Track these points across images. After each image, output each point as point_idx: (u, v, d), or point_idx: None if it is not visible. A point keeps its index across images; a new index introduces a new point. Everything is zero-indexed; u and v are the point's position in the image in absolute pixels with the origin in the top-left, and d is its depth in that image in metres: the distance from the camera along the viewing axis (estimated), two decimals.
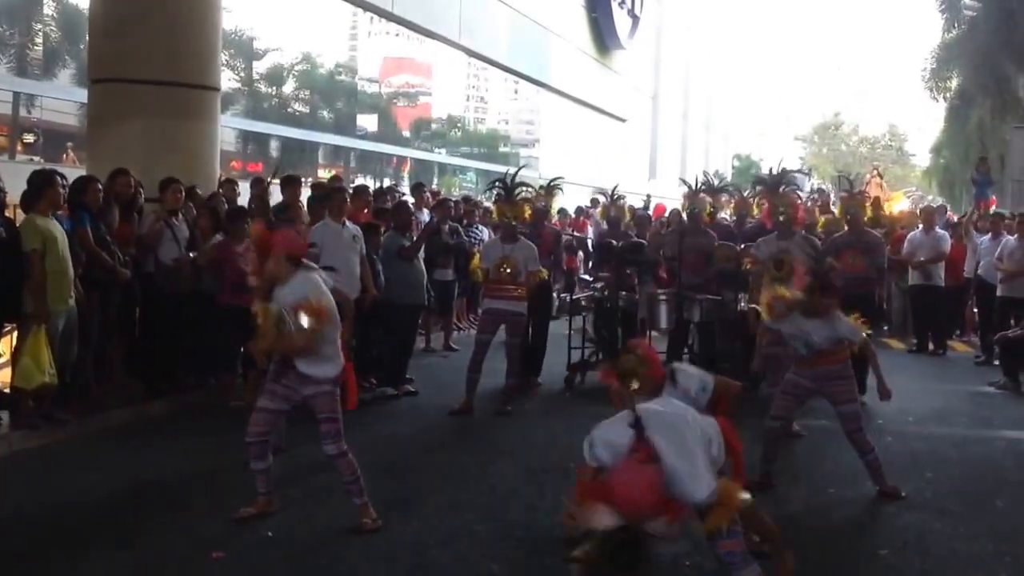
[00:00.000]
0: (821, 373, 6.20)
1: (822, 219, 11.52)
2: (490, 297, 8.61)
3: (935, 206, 17.83)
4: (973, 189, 15.68)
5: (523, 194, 8.88)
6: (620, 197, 12.81)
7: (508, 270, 8.38)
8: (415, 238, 9.44)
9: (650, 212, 15.36)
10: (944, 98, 31.80)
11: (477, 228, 12.95)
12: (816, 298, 6.00)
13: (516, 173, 8.97)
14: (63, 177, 7.34)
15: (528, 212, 8.93)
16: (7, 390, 7.25)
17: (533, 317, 9.36)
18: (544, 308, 9.90)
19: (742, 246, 9.44)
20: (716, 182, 12.69)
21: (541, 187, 9.90)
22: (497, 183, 8.98)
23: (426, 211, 12.56)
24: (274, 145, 42.36)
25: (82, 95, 13.13)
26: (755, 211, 11.25)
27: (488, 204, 11.27)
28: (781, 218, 8.41)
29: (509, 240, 8.53)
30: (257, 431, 5.42)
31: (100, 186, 7.75)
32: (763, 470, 6.33)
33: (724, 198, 13.30)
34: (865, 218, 9.94)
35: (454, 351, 11.45)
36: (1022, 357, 9.98)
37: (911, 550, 5.32)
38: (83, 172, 9.04)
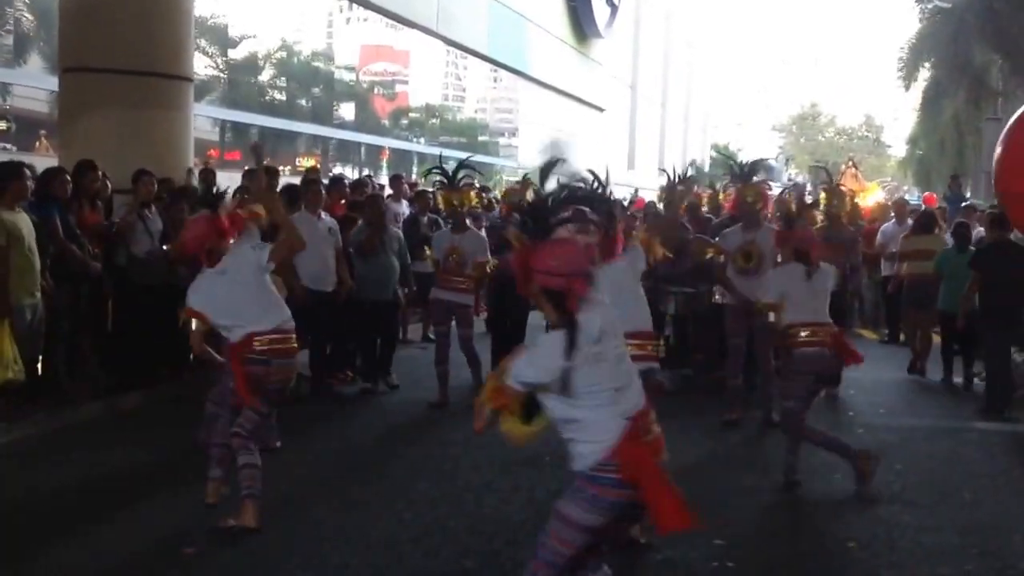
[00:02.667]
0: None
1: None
2: (439, 288, 8.49)
3: (906, 198, 17.95)
4: (947, 207, 15.96)
5: (466, 179, 8.71)
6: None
7: (456, 260, 8.30)
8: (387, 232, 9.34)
9: (632, 205, 15.33)
10: (915, 88, 31.93)
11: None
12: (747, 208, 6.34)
13: (462, 164, 8.87)
14: (30, 168, 7.27)
15: (474, 198, 8.80)
16: None
17: (515, 309, 9.36)
18: (523, 300, 9.85)
19: (714, 239, 9.46)
20: (691, 173, 12.68)
21: (518, 181, 9.86)
22: (435, 170, 8.88)
23: (405, 202, 12.52)
24: (252, 133, 42.11)
25: (54, 83, 13.02)
26: (722, 199, 11.28)
27: (431, 191, 11.11)
28: (749, 205, 8.07)
29: (459, 230, 8.43)
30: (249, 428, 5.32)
31: (68, 177, 7.68)
32: (787, 460, 6.31)
33: (699, 190, 13.29)
34: (843, 213, 9.99)
35: (432, 342, 11.42)
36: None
37: (879, 543, 5.37)
38: (56, 161, 8.97)
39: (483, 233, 8.85)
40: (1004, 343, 8.85)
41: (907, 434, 7.87)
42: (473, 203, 8.78)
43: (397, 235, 9.12)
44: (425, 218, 11.19)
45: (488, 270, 8.49)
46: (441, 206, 9.03)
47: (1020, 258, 8.75)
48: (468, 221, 8.60)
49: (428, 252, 8.69)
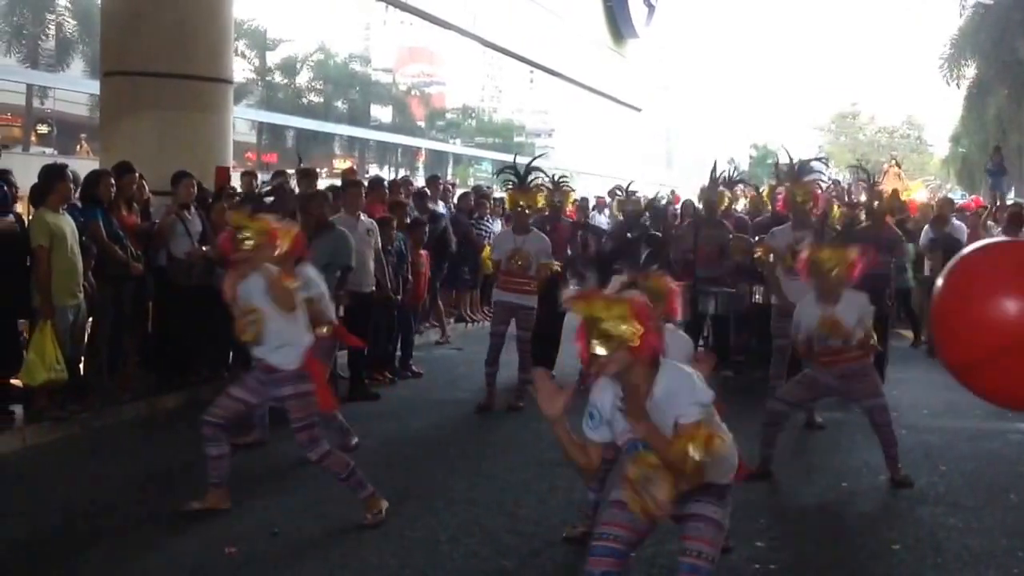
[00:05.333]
0: (844, 372, 6.19)
1: (838, 211, 11.42)
2: (501, 289, 8.43)
3: (949, 197, 17.73)
4: (988, 180, 15.66)
5: (537, 181, 8.63)
6: (635, 192, 12.75)
7: (520, 262, 8.19)
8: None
9: (674, 205, 15.21)
10: (959, 86, 31.56)
11: (488, 220, 12.92)
12: (827, 279, 6.00)
13: (531, 161, 8.78)
14: (72, 172, 7.36)
15: (542, 200, 8.69)
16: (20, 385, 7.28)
17: (545, 309, 9.31)
18: (558, 306, 9.81)
19: (755, 238, 9.38)
20: (733, 172, 12.59)
21: (551, 181, 9.78)
22: (508, 169, 8.76)
23: (441, 203, 12.57)
24: (289, 136, 42.35)
25: (95, 87, 13.18)
26: (768, 206, 11.15)
27: (501, 193, 11.13)
28: (799, 205, 7.91)
29: (521, 231, 8.33)
30: (216, 413, 5.41)
31: (112, 180, 7.77)
32: (762, 455, 6.35)
33: (740, 188, 13.20)
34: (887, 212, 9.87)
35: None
36: None
37: (924, 545, 5.29)
38: (97, 164, 9.06)
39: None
40: None
41: (951, 435, 7.76)
42: (540, 205, 8.63)
43: (370, 226, 8.70)
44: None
45: (551, 272, 8.22)
46: (507, 206, 8.96)
47: None
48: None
49: (487, 253, 8.66)
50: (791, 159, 8.41)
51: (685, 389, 3.34)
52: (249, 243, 5.08)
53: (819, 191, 7.90)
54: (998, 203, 14.95)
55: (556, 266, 8.33)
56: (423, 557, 4.95)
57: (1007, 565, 5.04)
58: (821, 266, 6.02)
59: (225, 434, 5.49)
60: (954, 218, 12.72)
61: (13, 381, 7.11)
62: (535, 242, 8.29)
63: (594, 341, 3.27)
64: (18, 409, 7.14)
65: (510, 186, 8.62)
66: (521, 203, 8.34)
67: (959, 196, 23.70)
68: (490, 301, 9.81)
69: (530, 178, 8.48)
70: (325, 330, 6.07)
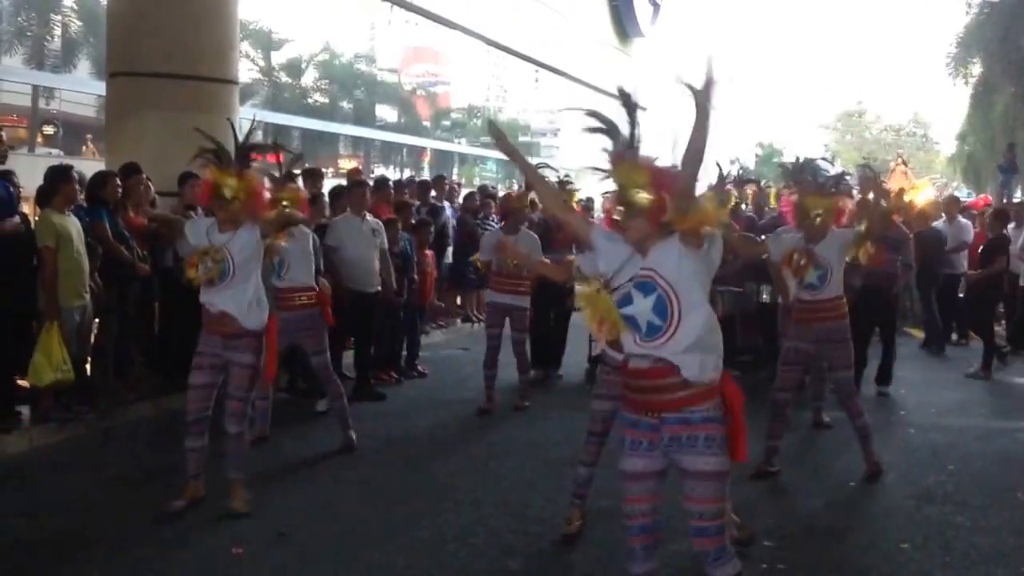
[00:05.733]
0: (822, 333, 6.24)
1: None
2: (494, 290, 8.34)
3: (957, 195, 17.68)
4: (1000, 177, 15.63)
5: (570, 186, 8.75)
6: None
7: (514, 262, 8.07)
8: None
9: None
10: (967, 83, 31.45)
11: (494, 220, 12.90)
12: (811, 225, 6.13)
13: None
14: (78, 173, 7.37)
15: (575, 201, 8.80)
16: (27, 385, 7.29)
17: (551, 307, 9.31)
18: (565, 299, 9.84)
19: (761, 238, 9.33)
20: (739, 172, 12.52)
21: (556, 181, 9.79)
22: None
23: (447, 203, 12.57)
24: (294, 136, 42.44)
25: (101, 88, 13.20)
26: (773, 201, 11.12)
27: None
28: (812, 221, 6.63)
29: (512, 231, 8.26)
30: (195, 408, 5.50)
31: (118, 181, 7.77)
32: (768, 447, 6.35)
33: (750, 188, 13.14)
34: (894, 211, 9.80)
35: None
36: None
37: (932, 543, 5.27)
38: (102, 165, 9.06)
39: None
40: None
41: (958, 434, 7.73)
42: (575, 206, 8.81)
43: (376, 226, 8.66)
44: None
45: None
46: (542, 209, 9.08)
47: None
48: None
49: (475, 255, 8.63)
50: (796, 158, 8.35)
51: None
52: (236, 201, 5.31)
53: (846, 207, 6.77)
54: (1004, 201, 14.89)
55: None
56: (429, 557, 4.94)
57: (1015, 564, 5.02)
58: (806, 211, 6.19)
59: (205, 425, 5.58)
60: (961, 217, 12.67)
61: (20, 382, 7.12)
62: (527, 242, 8.26)
63: (619, 208, 3.43)
64: (25, 410, 7.15)
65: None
66: (517, 204, 8.36)
67: (965, 194, 23.63)
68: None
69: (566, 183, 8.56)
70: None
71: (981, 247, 11.25)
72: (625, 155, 3.42)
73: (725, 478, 3.47)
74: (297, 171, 9.47)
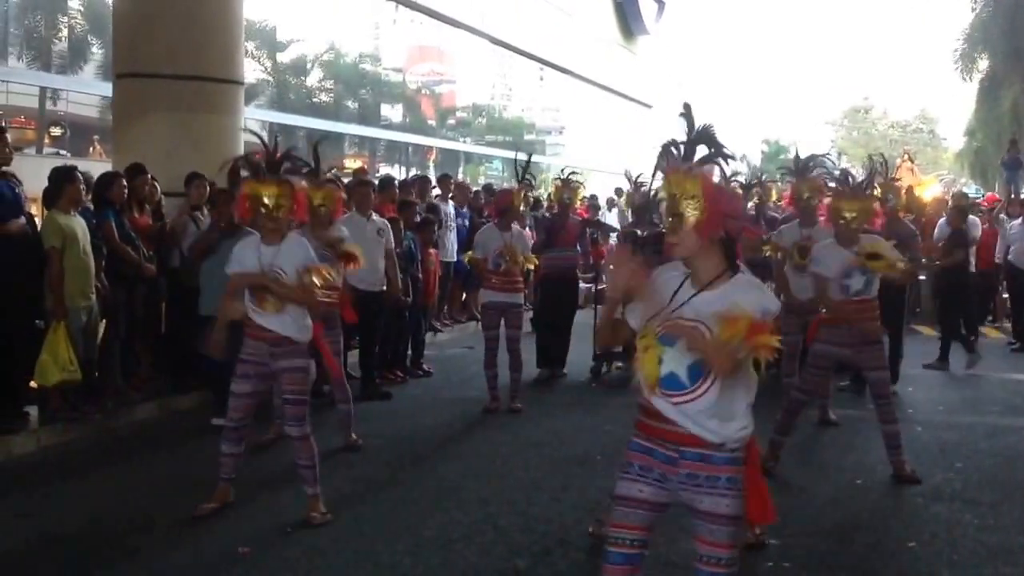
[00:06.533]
0: (856, 336, 6.20)
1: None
2: (491, 290, 8.27)
3: (963, 191, 17.64)
4: (1004, 173, 15.58)
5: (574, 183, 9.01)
6: (643, 184, 12.67)
7: (510, 259, 8.14)
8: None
9: None
10: (972, 79, 31.36)
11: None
12: (844, 227, 6.11)
13: (527, 164, 8.93)
14: (84, 174, 7.39)
15: (580, 195, 8.94)
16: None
17: (559, 302, 9.30)
18: (570, 298, 9.85)
19: (764, 235, 9.31)
20: (746, 171, 12.54)
21: (558, 178, 9.81)
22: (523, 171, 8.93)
23: (451, 203, 12.56)
24: (300, 136, 42.46)
25: (107, 89, 13.21)
26: (774, 196, 11.11)
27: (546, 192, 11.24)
28: (804, 202, 7.89)
29: (506, 228, 8.24)
30: (237, 416, 5.43)
31: (125, 182, 7.79)
32: (773, 441, 6.35)
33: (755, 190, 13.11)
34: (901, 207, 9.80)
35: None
36: None
37: (940, 541, 5.26)
38: (110, 166, 9.08)
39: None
40: None
41: (967, 431, 7.71)
42: (578, 198, 8.97)
43: (381, 226, 8.58)
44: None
45: (532, 267, 8.62)
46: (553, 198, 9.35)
47: None
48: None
49: (470, 252, 8.61)
50: (796, 155, 8.37)
51: (754, 293, 3.13)
52: (280, 209, 5.19)
53: (826, 186, 7.74)
54: (1011, 197, 14.85)
55: (535, 260, 8.57)
56: (436, 556, 4.94)
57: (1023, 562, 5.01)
58: (840, 213, 6.19)
59: (244, 432, 5.54)
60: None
61: (31, 384, 7.14)
62: (520, 238, 8.32)
63: (669, 220, 3.18)
64: (33, 411, 7.17)
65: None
66: (515, 201, 8.41)
67: (973, 191, 23.55)
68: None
69: (540, 177, 8.58)
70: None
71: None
72: (679, 165, 3.22)
73: (741, 522, 3.20)
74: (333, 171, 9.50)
